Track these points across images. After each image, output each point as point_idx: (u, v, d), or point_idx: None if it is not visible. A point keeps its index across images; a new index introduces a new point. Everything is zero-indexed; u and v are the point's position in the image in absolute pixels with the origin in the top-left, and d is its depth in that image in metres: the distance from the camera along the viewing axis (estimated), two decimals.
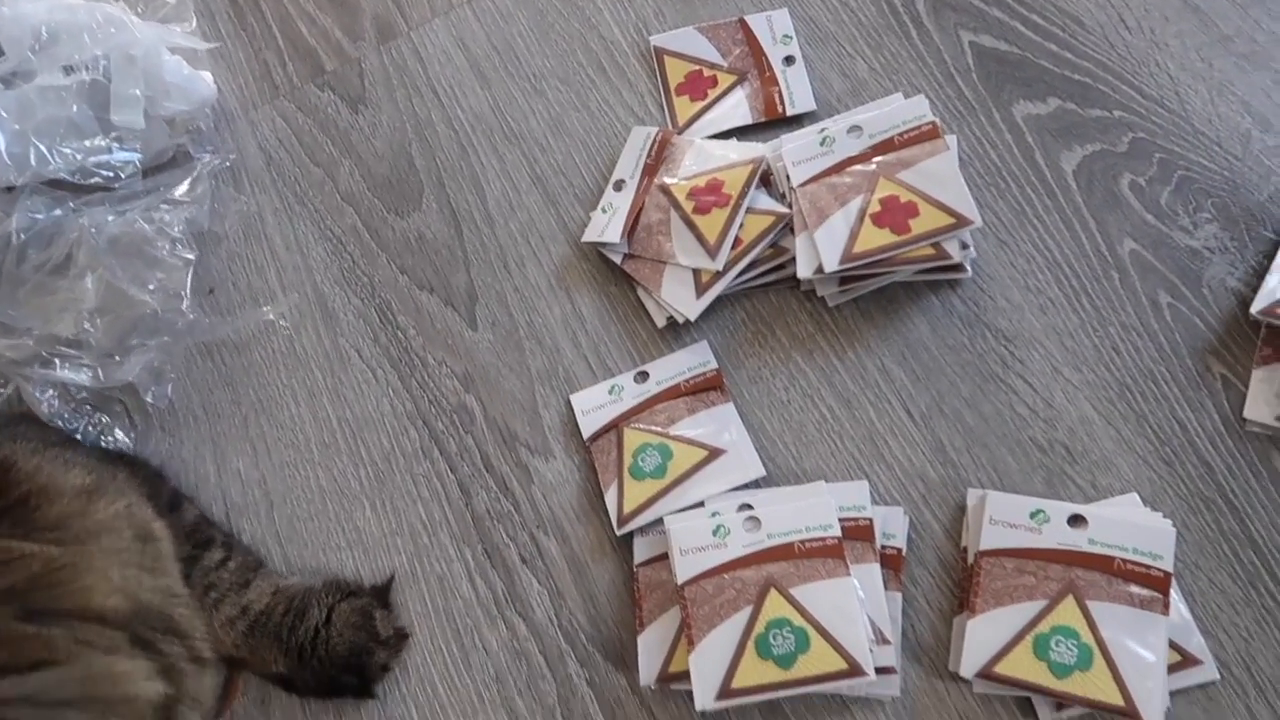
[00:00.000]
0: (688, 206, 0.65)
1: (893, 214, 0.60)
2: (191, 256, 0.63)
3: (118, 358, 0.61)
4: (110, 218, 0.61)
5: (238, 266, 0.71)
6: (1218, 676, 0.52)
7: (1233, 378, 0.58)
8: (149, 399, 0.66)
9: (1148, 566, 0.52)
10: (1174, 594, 0.53)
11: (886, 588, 0.55)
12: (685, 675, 0.53)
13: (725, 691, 0.52)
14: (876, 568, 0.55)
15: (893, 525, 0.57)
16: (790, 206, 0.63)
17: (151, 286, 0.60)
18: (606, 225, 0.66)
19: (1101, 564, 0.53)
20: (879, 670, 0.53)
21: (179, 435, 0.66)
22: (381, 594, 0.58)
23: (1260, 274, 0.60)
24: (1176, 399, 0.58)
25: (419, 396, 0.66)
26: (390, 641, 0.57)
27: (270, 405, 0.67)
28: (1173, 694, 0.52)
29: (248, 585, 0.56)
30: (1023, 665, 0.51)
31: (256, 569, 0.58)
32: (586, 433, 0.62)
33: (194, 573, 0.55)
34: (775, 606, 0.54)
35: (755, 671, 0.52)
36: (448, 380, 0.66)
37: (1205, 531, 0.55)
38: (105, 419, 0.64)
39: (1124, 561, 0.52)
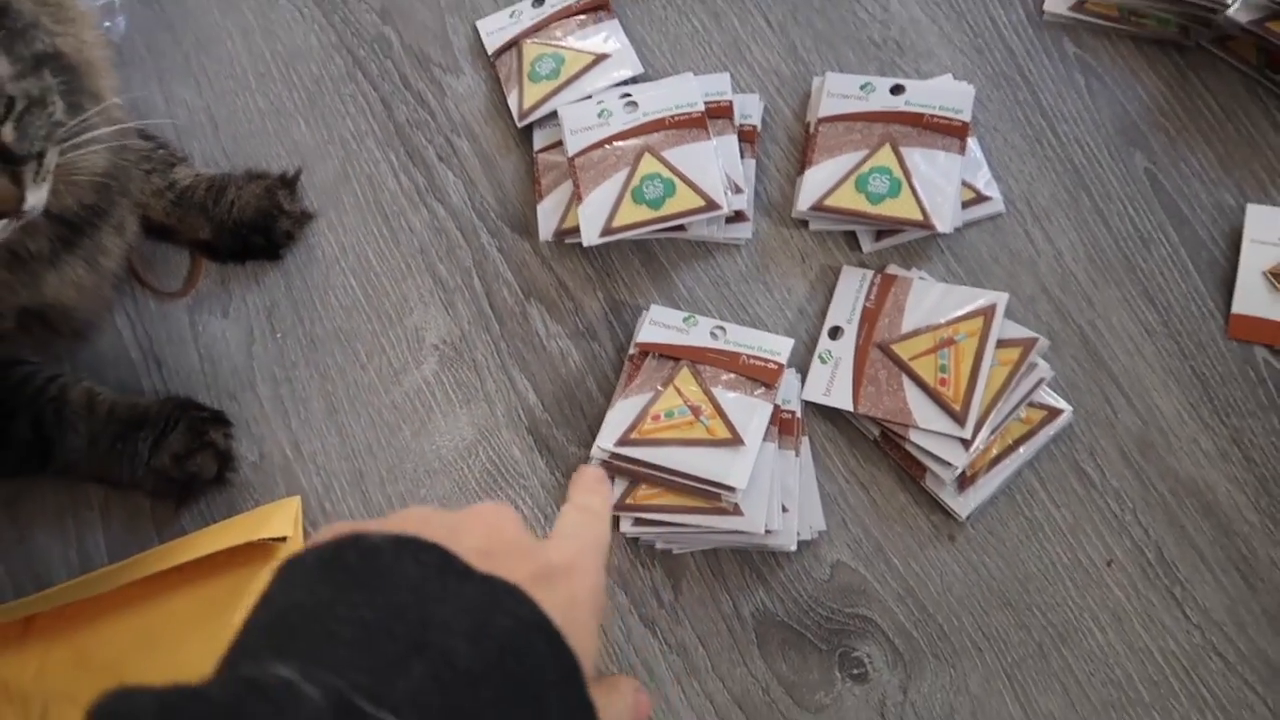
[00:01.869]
0: None
1: None
2: None
3: None
4: None
5: None
6: (1004, 209, 0.65)
7: None
8: (104, 29, 0.73)
9: (950, 119, 0.63)
10: (974, 148, 0.65)
11: (743, 156, 0.66)
12: (577, 230, 0.64)
13: (607, 230, 0.63)
14: (734, 138, 0.66)
15: (749, 108, 0.68)
16: None
17: None
18: None
19: (913, 119, 0.64)
20: (735, 215, 0.65)
21: (126, 73, 0.74)
22: (287, 180, 0.69)
23: None
24: (992, 0, 0.69)
25: (342, 30, 0.73)
26: (294, 215, 0.68)
27: (209, 43, 0.74)
28: (968, 224, 0.64)
29: (173, 167, 0.67)
30: (846, 197, 0.63)
31: (183, 160, 0.69)
32: (491, 49, 0.71)
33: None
34: (648, 165, 0.64)
35: (631, 213, 0.63)
36: (367, 15, 0.74)
37: (1004, 103, 0.67)
38: None
39: (931, 116, 0.64)
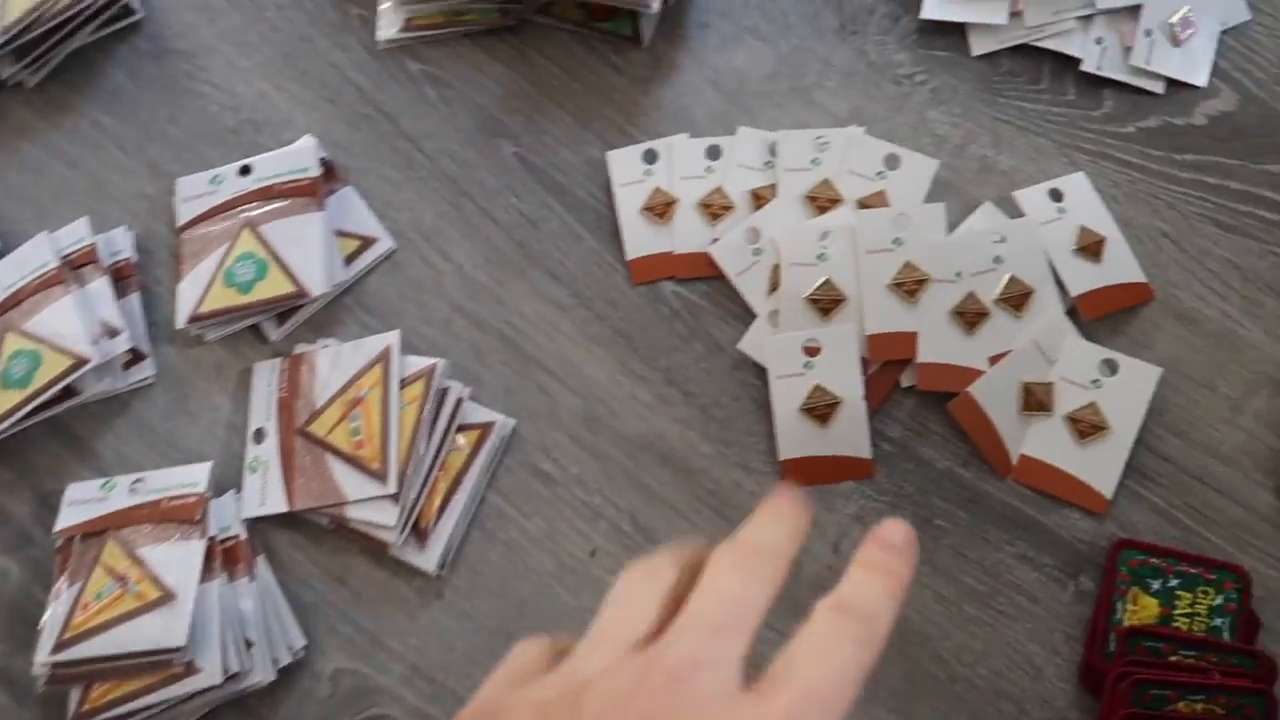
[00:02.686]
0: None
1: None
2: None
3: None
4: None
5: None
6: (396, 245, 0.62)
7: (367, 14, 0.67)
8: None
9: (299, 180, 0.60)
10: (351, 196, 0.62)
11: (124, 294, 0.62)
12: None
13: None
14: (105, 280, 0.61)
15: (119, 243, 0.63)
16: None
17: None
18: None
19: (265, 194, 0.60)
20: (133, 356, 0.60)
21: None
22: None
23: None
24: (328, 49, 0.66)
25: None
26: None
27: None
28: (368, 272, 0.61)
29: None
30: (219, 297, 0.59)
31: None
32: None
33: None
34: (12, 344, 0.59)
35: (3, 401, 0.58)
36: None
37: (369, 140, 0.64)
38: None
39: (282, 185, 0.60)
